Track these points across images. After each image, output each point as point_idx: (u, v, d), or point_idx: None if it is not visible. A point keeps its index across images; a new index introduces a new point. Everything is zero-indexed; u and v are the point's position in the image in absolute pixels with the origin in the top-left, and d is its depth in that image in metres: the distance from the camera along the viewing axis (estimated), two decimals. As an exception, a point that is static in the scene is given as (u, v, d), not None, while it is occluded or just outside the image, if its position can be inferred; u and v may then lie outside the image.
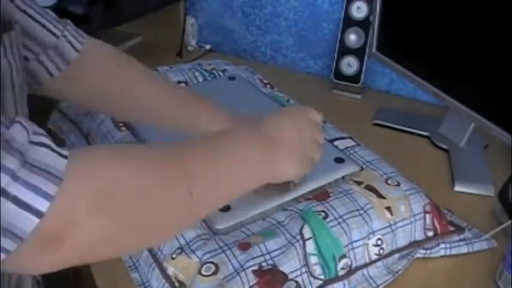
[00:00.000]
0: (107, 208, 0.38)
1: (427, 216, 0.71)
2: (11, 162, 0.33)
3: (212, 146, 0.50)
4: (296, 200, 0.69)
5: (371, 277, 0.67)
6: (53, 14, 0.64)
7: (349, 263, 0.65)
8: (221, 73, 1.02)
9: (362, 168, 0.75)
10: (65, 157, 0.36)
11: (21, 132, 0.35)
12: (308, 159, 0.59)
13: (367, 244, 0.66)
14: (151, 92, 0.68)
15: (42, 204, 0.33)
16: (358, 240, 0.65)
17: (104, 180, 0.38)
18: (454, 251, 0.73)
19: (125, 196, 0.39)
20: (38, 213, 0.33)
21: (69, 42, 0.64)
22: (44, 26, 0.61)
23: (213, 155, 0.49)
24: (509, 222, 0.74)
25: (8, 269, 0.37)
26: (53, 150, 0.36)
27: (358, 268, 0.66)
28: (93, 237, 0.37)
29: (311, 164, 0.60)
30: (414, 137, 1.04)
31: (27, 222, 0.33)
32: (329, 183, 0.71)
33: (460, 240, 0.74)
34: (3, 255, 0.33)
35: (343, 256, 0.64)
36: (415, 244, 0.70)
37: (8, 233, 0.33)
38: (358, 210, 0.67)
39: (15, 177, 0.33)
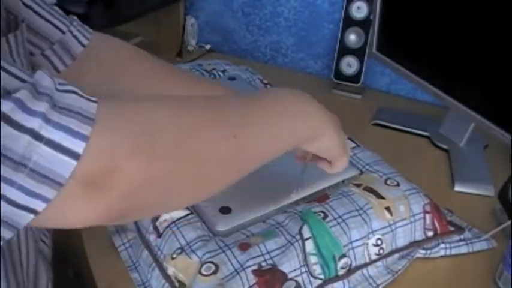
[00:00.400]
0: (147, 149, 0.36)
1: (427, 216, 0.71)
2: (40, 105, 0.32)
3: (254, 97, 0.49)
4: (296, 203, 0.69)
5: (371, 277, 0.67)
6: (59, 10, 0.63)
7: (349, 263, 0.65)
8: (221, 73, 1.02)
9: (361, 172, 0.75)
10: (95, 102, 0.35)
11: (46, 79, 0.34)
12: (346, 146, 0.57)
13: (367, 244, 0.66)
14: (171, 86, 0.66)
15: (77, 146, 0.32)
16: (357, 240, 0.65)
17: (141, 119, 0.37)
18: (454, 251, 0.73)
19: (165, 136, 0.37)
20: (74, 155, 0.32)
21: (75, 37, 0.63)
22: (49, 21, 0.61)
23: (255, 104, 0.47)
24: (509, 222, 0.74)
25: (49, 222, 0.36)
26: (81, 95, 0.35)
27: (358, 268, 0.66)
28: (135, 180, 0.35)
29: (347, 154, 0.57)
30: (414, 137, 1.04)
31: (65, 165, 0.32)
32: (329, 187, 0.71)
33: (460, 240, 0.74)
34: (43, 205, 0.33)
35: (343, 256, 0.64)
36: (415, 244, 0.70)
37: (47, 179, 0.32)
38: (357, 210, 0.67)
39: (46, 120, 0.32)
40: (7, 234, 0.34)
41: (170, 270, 0.61)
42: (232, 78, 0.99)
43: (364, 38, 1.15)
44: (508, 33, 0.80)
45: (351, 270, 0.65)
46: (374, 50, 1.10)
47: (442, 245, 0.72)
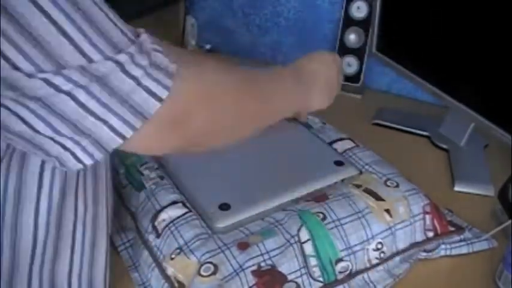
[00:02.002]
0: (214, 101, 0.50)
1: (427, 216, 0.71)
2: (144, 60, 0.43)
3: (269, 77, 0.64)
4: (295, 201, 0.69)
5: (371, 281, 0.67)
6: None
7: (348, 267, 0.64)
8: None
9: (361, 172, 0.75)
10: (173, 63, 0.46)
11: (147, 40, 0.45)
12: (332, 94, 0.73)
13: (367, 249, 0.66)
14: None
15: (162, 93, 0.44)
16: (357, 244, 0.65)
17: (208, 78, 0.51)
18: (454, 252, 0.73)
19: (225, 93, 0.53)
20: (159, 99, 0.44)
21: None
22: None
23: (275, 78, 0.64)
24: (509, 222, 0.74)
25: (136, 148, 0.47)
26: (164, 55, 0.46)
27: (358, 272, 0.66)
28: (205, 123, 0.49)
29: (332, 98, 0.74)
30: (414, 137, 1.04)
31: (151, 105, 0.43)
32: (328, 186, 0.71)
33: (461, 240, 0.74)
34: (131, 132, 0.43)
35: (340, 260, 0.64)
36: (415, 245, 0.70)
37: (138, 114, 0.43)
38: (356, 213, 0.67)
39: (146, 73, 0.43)
40: (98, 155, 0.44)
41: (169, 271, 0.61)
42: None
43: (364, 38, 1.15)
44: (508, 33, 0.80)
45: (351, 275, 0.65)
46: (374, 50, 1.10)
47: (443, 246, 0.72)
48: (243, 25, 1.36)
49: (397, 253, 0.69)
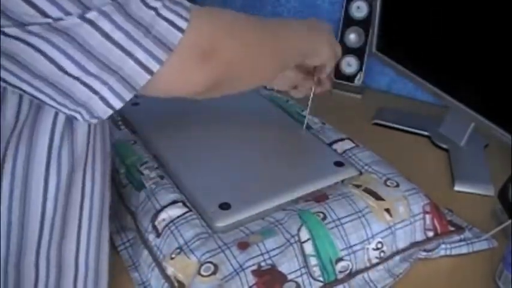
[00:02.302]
0: (238, 35, 0.52)
1: (427, 216, 0.71)
2: None
3: (278, 21, 0.72)
4: (295, 201, 0.69)
5: (372, 281, 0.67)
6: None
7: (348, 267, 0.64)
8: None
9: (361, 173, 0.75)
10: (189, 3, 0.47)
11: None
12: (336, 54, 0.73)
13: (367, 248, 0.66)
14: None
15: (182, 24, 0.44)
16: (357, 244, 0.65)
17: (227, 18, 0.53)
18: (454, 252, 0.73)
19: (245, 29, 0.55)
20: (180, 30, 0.44)
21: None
22: None
23: (286, 26, 0.66)
24: (509, 222, 0.74)
25: (161, 86, 0.46)
26: None
27: (358, 272, 0.66)
28: (233, 54, 0.50)
29: (335, 59, 0.74)
30: (414, 137, 1.04)
31: (174, 36, 0.44)
32: (328, 186, 0.71)
33: (461, 240, 0.74)
34: (157, 66, 0.43)
35: (340, 259, 0.64)
36: (415, 245, 0.70)
37: (161, 44, 0.43)
38: (356, 213, 0.67)
39: (164, 5, 0.44)
40: (127, 95, 0.44)
41: (169, 270, 0.61)
42: None
43: (364, 38, 1.15)
44: (508, 33, 0.80)
45: (351, 274, 0.65)
46: (374, 49, 1.10)
47: (443, 245, 0.72)
48: (243, 25, 1.36)
49: (397, 252, 0.69)
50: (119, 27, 0.41)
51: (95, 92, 0.43)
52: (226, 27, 0.51)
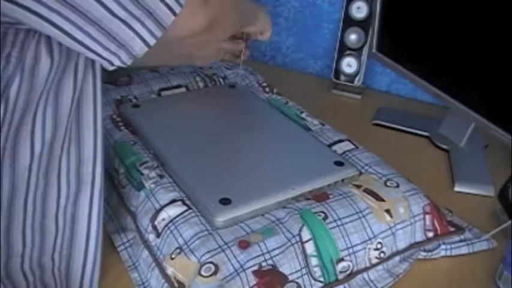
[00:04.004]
0: None
1: (427, 217, 0.71)
2: None
3: None
4: (296, 199, 0.69)
5: (371, 280, 0.67)
6: None
7: (349, 267, 0.64)
8: (221, 80, 1.02)
9: (361, 173, 0.75)
10: None
11: None
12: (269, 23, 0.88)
13: (368, 248, 0.66)
14: None
15: None
16: (358, 244, 0.65)
17: None
18: (454, 252, 0.73)
19: None
20: None
21: None
22: None
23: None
24: (509, 222, 0.74)
25: (178, 26, 0.52)
26: None
27: (358, 272, 0.66)
28: (220, 4, 0.57)
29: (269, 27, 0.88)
30: (414, 137, 1.04)
31: None
32: (328, 185, 0.71)
33: (461, 240, 0.74)
34: (179, 7, 0.51)
35: (341, 259, 0.64)
36: (415, 245, 0.70)
37: None
38: (357, 213, 0.67)
39: None
40: (159, 33, 0.51)
41: (169, 270, 0.61)
42: (232, 86, 0.99)
43: (364, 38, 1.15)
44: (508, 33, 0.80)
45: (352, 274, 0.65)
46: (374, 50, 1.10)
47: (443, 246, 0.72)
48: (243, 25, 1.36)
49: (397, 253, 0.69)
50: None
51: (135, 32, 0.50)
52: None
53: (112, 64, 0.51)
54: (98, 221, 0.62)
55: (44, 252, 0.60)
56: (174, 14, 0.51)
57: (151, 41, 0.51)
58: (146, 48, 0.51)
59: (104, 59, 0.51)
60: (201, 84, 0.99)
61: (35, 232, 0.59)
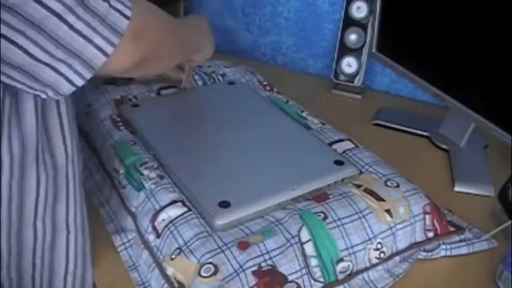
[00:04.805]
0: (161, 23, 0.62)
1: (427, 217, 0.71)
2: None
3: (183, 24, 0.84)
4: (296, 200, 0.69)
5: (371, 281, 0.67)
6: None
7: (349, 267, 0.65)
8: (220, 77, 1.02)
9: (361, 172, 0.75)
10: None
11: None
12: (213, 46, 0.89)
13: (368, 248, 0.66)
14: None
15: (128, 12, 0.52)
16: (358, 244, 0.65)
17: (157, 17, 0.62)
18: (454, 252, 0.73)
19: (167, 21, 0.66)
20: (126, 17, 0.51)
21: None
22: None
23: (187, 28, 0.81)
24: (509, 222, 0.74)
25: (112, 65, 0.52)
26: None
27: (358, 272, 0.66)
28: (156, 39, 0.58)
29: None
30: (414, 137, 1.04)
31: (122, 22, 0.51)
32: (328, 185, 0.71)
33: (461, 240, 0.74)
34: (112, 48, 0.50)
35: (341, 260, 0.64)
36: (415, 245, 0.70)
37: (113, 30, 0.50)
38: (357, 213, 0.67)
39: (113, 2, 0.51)
40: (87, 74, 0.50)
41: (169, 271, 0.61)
42: (231, 83, 0.99)
43: (364, 38, 1.15)
44: (508, 33, 0.80)
45: (352, 274, 0.65)
46: (374, 50, 1.10)
47: (443, 246, 0.72)
48: (243, 25, 1.36)
49: (397, 253, 0.69)
50: (81, 19, 0.48)
51: (61, 74, 0.50)
52: (154, 14, 0.61)
53: (42, 97, 0.51)
54: (75, 225, 0.62)
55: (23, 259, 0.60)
56: (106, 54, 0.50)
57: (79, 82, 0.51)
58: (73, 88, 0.51)
59: (32, 93, 0.51)
60: (200, 82, 0.99)
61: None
